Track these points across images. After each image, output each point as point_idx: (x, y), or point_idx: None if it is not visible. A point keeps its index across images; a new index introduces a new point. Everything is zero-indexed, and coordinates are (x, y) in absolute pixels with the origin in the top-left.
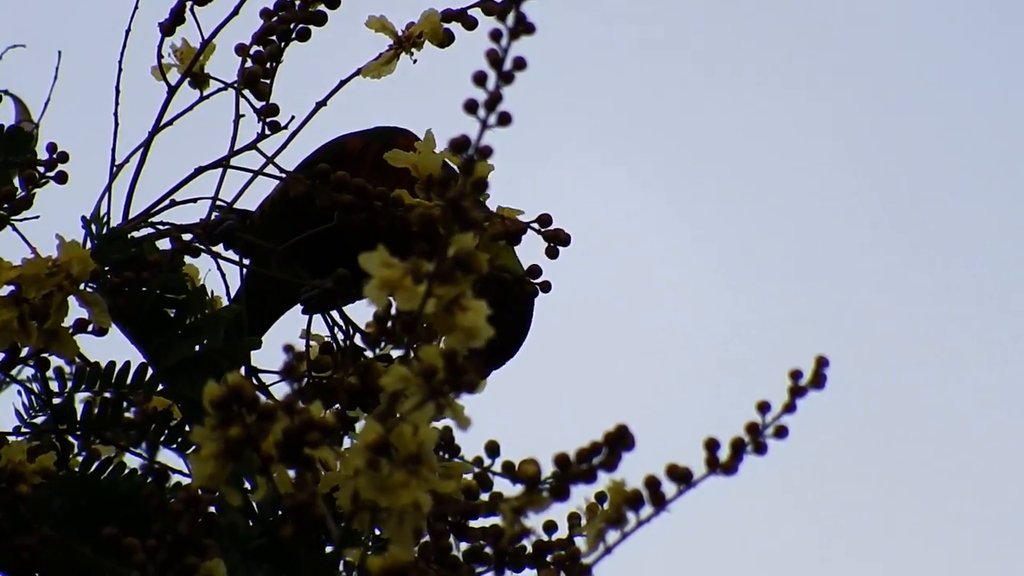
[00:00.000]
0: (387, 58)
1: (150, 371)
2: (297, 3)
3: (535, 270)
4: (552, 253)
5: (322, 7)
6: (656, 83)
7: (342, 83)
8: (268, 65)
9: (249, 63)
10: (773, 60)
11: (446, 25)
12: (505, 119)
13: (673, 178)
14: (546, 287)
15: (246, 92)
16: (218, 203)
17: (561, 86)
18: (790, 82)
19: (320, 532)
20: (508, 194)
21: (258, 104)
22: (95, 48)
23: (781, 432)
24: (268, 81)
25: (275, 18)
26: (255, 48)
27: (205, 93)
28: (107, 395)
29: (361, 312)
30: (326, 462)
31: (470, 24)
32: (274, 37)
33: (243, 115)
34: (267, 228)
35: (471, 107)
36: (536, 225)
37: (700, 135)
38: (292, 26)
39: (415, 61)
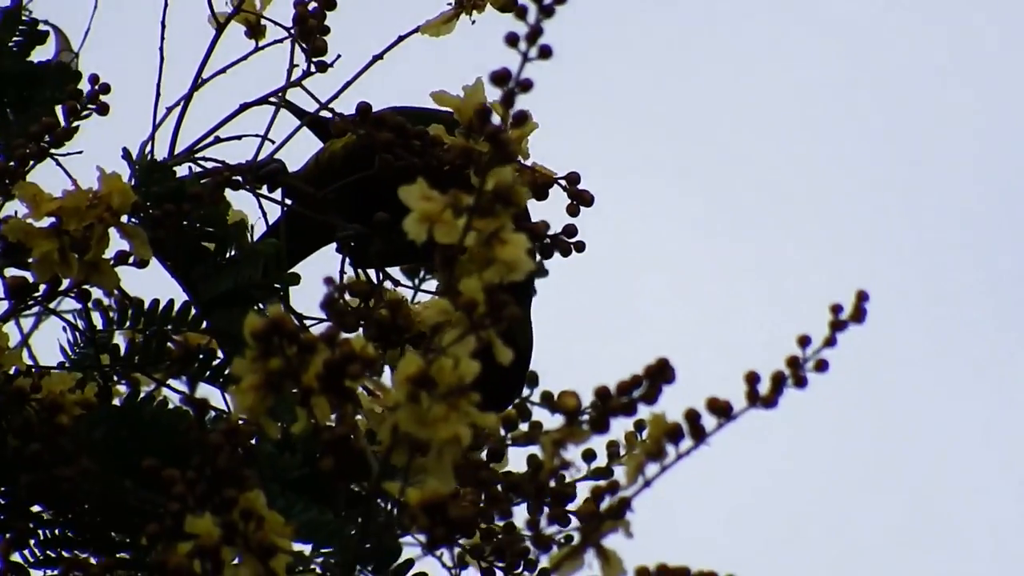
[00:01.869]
0: (447, 17)
1: (193, 310)
2: None
3: (571, 229)
4: (573, 211)
5: None
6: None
7: (400, 38)
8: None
9: (305, 15)
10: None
11: None
12: (546, 52)
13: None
14: (580, 247)
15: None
16: (267, 141)
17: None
18: None
19: (360, 465)
20: None
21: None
22: None
23: (821, 366)
24: (325, 37)
25: None
26: (312, 4)
27: (261, 44)
28: (149, 332)
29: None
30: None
31: None
32: None
33: (297, 64)
34: (318, 178)
35: (512, 40)
36: (564, 182)
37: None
38: None
39: (473, 22)
